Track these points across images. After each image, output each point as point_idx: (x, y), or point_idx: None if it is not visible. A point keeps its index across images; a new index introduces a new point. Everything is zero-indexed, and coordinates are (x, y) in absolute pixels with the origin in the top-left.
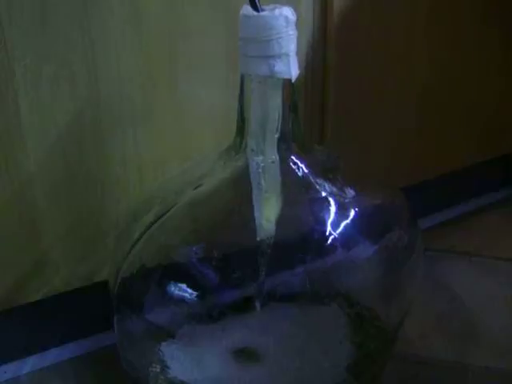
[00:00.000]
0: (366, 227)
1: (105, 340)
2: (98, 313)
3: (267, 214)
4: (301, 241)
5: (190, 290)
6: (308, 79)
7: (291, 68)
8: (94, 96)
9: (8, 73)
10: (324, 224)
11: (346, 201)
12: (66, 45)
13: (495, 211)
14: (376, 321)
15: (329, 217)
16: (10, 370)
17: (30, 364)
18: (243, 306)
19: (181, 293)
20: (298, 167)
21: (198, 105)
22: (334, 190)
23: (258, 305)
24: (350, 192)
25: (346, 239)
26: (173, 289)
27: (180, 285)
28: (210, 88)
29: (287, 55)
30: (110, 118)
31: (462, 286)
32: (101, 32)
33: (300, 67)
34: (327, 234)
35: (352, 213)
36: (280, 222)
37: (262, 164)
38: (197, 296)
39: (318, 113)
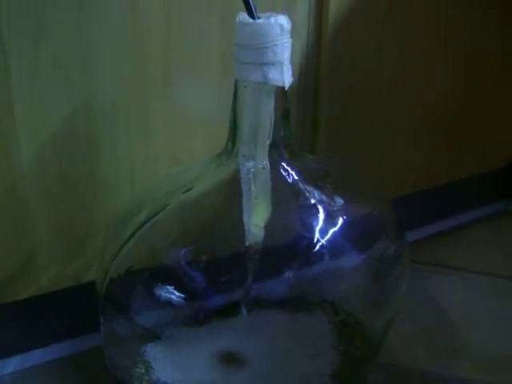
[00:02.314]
0: (353, 236)
1: (90, 342)
2: (84, 314)
3: (256, 220)
4: (289, 247)
5: (177, 293)
6: (301, 89)
7: (285, 76)
8: (88, 97)
9: (3, 72)
10: (312, 231)
11: (335, 209)
12: (63, 46)
13: (483, 226)
14: (361, 329)
15: (317, 224)
16: None
17: (13, 364)
18: (230, 311)
19: (168, 295)
20: (289, 174)
21: (192, 109)
22: (323, 197)
23: (244, 310)
24: (339, 200)
25: (333, 247)
26: (160, 291)
27: (167, 287)
28: (203, 92)
29: (281, 63)
30: (103, 119)
31: (448, 299)
32: (97, 34)
33: (293, 75)
34: (315, 241)
35: (340, 221)
36: (269, 227)
37: (253, 169)
38: (184, 298)
39: (309, 122)
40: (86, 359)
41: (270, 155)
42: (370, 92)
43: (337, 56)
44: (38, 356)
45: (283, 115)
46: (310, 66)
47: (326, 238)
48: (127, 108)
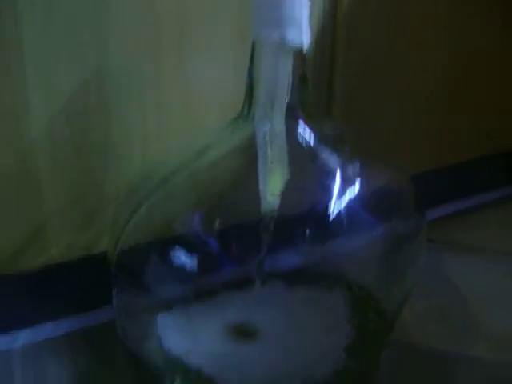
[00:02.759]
0: (371, 205)
1: (102, 315)
2: (96, 287)
3: (272, 187)
4: (304, 215)
5: (190, 260)
6: (317, 57)
7: (303, 36)
8: (101, 66)
9: (16, 36)
10: (329, 198)
11: (353, 175)
12: (77, 12)
13: (501, 206)
14: (375, 303)
15: (334, 190)
16: (2, 343)
17: (23, 337)
18: (243, 282)
19: (181, 262)
20: (305, 137)
21: (206, 77)
22: (342, 161)
23: (257, 281)
24: (357, 166)
25: (350, 215)
26: (173, 258)
27: (180, 253)
28: (218, 60)
29: (300, 23)
30: (116, 89)
31: (464, 278)
32: (113, 2)
33: (309, 43)
34: (332, 209)
35: (358, 187)
36: (284, 195)
37: (269, 133)
38: (197, 265)
39: (325, 92)
40: (98, 333)
41: (286, 118)
42: (387, 66)
43: (353, 26)
44: (49, 329)
45: (301, 78)
46: (325, 35)
47: (343, 205)
48: (140, 78)
